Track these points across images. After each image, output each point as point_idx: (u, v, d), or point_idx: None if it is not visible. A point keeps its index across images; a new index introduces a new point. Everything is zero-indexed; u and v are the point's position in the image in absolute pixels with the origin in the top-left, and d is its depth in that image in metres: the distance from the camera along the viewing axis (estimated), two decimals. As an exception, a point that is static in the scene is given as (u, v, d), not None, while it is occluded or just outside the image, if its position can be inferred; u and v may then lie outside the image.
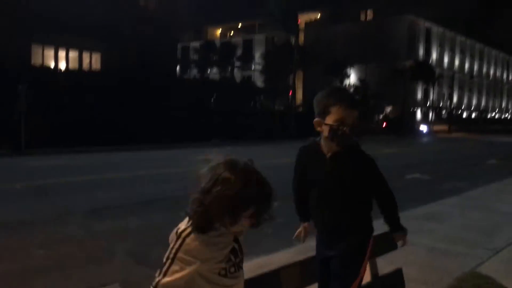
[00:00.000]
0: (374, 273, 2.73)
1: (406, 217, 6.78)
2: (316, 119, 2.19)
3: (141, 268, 4.73)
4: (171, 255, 1.56)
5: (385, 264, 3.05)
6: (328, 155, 2.21)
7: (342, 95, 2.18)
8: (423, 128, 48.14)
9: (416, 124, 49.20)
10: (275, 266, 2.27)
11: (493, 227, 6.29)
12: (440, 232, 5.96)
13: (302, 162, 2.35)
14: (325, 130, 2.15)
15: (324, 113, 2.15)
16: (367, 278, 2.75)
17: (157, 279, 1.54)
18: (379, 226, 2.67)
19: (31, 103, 17.54)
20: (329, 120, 2.12)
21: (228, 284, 1.61)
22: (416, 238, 5.57)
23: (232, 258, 1.62)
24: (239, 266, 1.64)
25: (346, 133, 2.12)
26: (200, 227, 1.57)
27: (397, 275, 2.91)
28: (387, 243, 2.97)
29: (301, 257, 2.54)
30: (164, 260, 1.57)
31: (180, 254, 1.55)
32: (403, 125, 45.17)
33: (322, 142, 2.23)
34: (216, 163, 1.62)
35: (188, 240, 1.56)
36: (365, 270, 2.35)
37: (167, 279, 1.52)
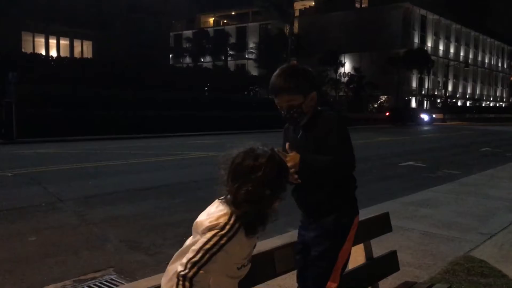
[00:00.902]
0: (369, 256, 2.71)
1: (400, 203, 6.86)
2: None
3: (134, 254, 4.69)
4: (207, 253, 1.55)
5: (379, 249, 3.03)
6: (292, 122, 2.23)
7: (273, 82, 2.17)
8: (424, 116, 47.95)
9: (417, 112, 49.02)
10: (269, 247, 2.24)
11: (487, 212, 6.31)
12: (434, 217, 5.96)
13: (284, 134, 2.35)
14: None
15: None
16: (361, 260, 2.72)
17: (187, 271, 1.53)
18: (374, 210, 2.67)
19: (22, 91, 17.38)
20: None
21: (239, 275, 1.69)
22: (410, 223, 5.58)
23: (251, 252, 1.72)
24: (250, 260, 1.73)
25: (286, 117, 2.17)
26: (252, 228, 1.62)
27: (392, 257, 2.89)
28: (381, 226, 2.95)
29: (294, 240, 2.50)
30: (196, 252, 1.55)
31: (214, 256, 1.56)
32: (406, 114, 45.18)
33: None
34: (237, 154, 1.66)
35: (228, 245, 1.57)
36: (346, 254, 2.19)
37: (195, 274, 1.54)
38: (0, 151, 14.22)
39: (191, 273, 1.52)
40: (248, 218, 1.58)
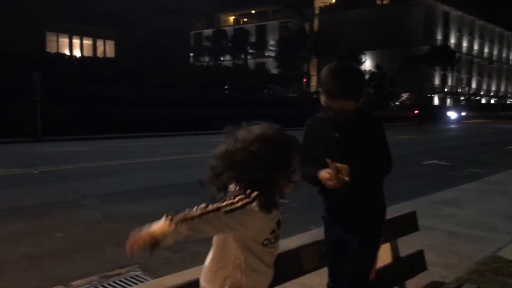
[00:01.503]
0: (395, 255, 2.68)
1: (425, 202, 6.77)
2: (318, 88, 2.17)
3: (159, 251, 4.72)
4: (202, 211, 1.53)
5: (403, 248, 2.99)
6: (338, 122, 2.15)
7: (328, 83, 2.07)
8: (451, 114, 46.61)
9: (444, 110, 47.82)
10: (294, 246, 2.23)
11: (514, 211, 6.18)
12: (459, 216, 5.87)
13: (309, 131, 2.26)
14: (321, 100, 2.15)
15: (320, 86, 2.12)
16: (387, 259, 2.70)
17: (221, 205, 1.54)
18: (398, 209, 2.64)
19: (47, 90, 17.69)
20: (321, 97, 2.11)
21: (266, 252, 1.65)
22: (435, 222, 5.50)
23: (276, 229, 1.65)
24: (278, 237, 1.68)
25: (333, 117, 2.10)
26: (267, 205, 1.58)
27: (419, 256, 2.85)
28: (407, 225, 2.92)
29: (319, 238, 2.49)
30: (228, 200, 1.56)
31: (229, 220, 1.53)
32: (436, 112, 44.34)
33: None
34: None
35: (246, 214, 1.54)
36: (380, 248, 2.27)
37: (229, 213, 1.53)
38: (26, 149, 14.51)
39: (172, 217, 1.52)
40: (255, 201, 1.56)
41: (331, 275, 2.28)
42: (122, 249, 5.08)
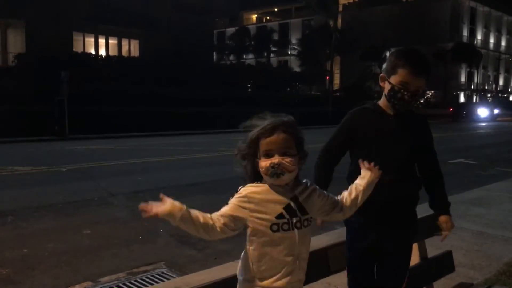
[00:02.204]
0: (423, 255, 2.65)
1: (452, 202, 6.62)
2: (381, 74, 2.12)
3: (184, 249, 4.80)
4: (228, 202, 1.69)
5: (430, 248, 2.96)
6: (393, 112, 2.11)
7: (413, 59, 2.06)
8: (482, 112, 44.95)
9: (477, 107, 46.40)
10: (322, 245, 2.23)
11: (544, 212, 6.03)
12: (487, 217, 5.76)
13: (354, 123, 2.16)
14: (386, 88, 2.07)
15: (391, 72, 2.06)
16: (415, 260, 2.67)
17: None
18: (423, 208, 2.60)
19: (73, 89, 18.02)
20: (394, 80, 2.04)
21: (279, 239, 1.65)
22: (463, 223, 5.41)
23: (286, 214, 1.64)
24: (294, 226, 1.65)
25: (405, 99, 2.02)
26: (250, 176, 1.69)
27: (447, 257, 2.82)
28: (434, 225, 2.88)
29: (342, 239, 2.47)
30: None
31: (233, 200, 1.66)
32: (470, 110, 43.33)
33: (382, 102, 2.15)
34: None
35: (241, 189, 1.68)
36: None
37: (220, 210, 1.67)
38: (54, 147, 14.83)
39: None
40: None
41: (369, 277, 2.17)
42: (149, 246, 5.19)
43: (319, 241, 2.60)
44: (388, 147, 2.09)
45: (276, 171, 1.60)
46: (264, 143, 1.63)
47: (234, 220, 1.62)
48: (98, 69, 23.74)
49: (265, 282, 1.65)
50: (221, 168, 10.52)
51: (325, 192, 1.77)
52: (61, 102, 17.65)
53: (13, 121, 17.40)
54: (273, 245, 1.64)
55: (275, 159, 1.60)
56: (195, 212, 1.63)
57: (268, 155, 1.62)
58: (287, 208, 1.64)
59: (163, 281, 3.95)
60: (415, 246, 2.64)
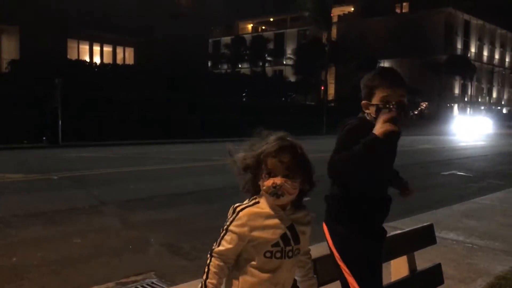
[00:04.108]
0: (412, 268, 2.66)
1: (443, 215, 6.66)
2: (363, 102, 2.14)
3: (175, 259, 4.77)
4: (225, 227, 1.67)
5: (420, 260, 2.96)
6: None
7: (386, 74, 2.14)
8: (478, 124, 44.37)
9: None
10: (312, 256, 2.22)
11: (535, 225, 6.05)
12: (478, 229, 5.77)
13: (360, 132, 2.05)
14: (371, 111, 2.09)
15: (370, 95, 2.11)
16: (404, 272, 2.67)
17: (212, 248, 1.67)
18: (415, 220, 2.62)
19: (66, 96, 17.97)
20: (375, 100, 2.08)
21: (269, 266, 1.66)
22: (453, 235, 5.42)
23: (281, 243, 1.66)
24: (287, 255, 1.68)
25: (392, 111, 2.04)
26: (249, 189, 1.73)
27: (436, 270, 2.82)
28: (425, 238, 2.89)
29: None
30: (221, 231, 1.69)
31: (232, 227, 1.65)
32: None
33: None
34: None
35: (241, 213, 1.66)
36: None
37: (220, 248, 1.64)
38: (46, 154, 14.76)
39: (214, 247, 1.67)
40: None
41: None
42: (140, 256, 5.15)
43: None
44: (385, 162, 2.16)
45: (276, 192, 1.62)
46: (269, 162, 1.64)
47: (236, 252, 1.67)
48: (92, 76, 23.70)
49: None
50: (213, 177, 10.51)
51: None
52: (54, 109, 17.59)
53: (6, 128, 17.32)
54: (262, 271, 1.66)
55: (278, 180, 1.62)
56: None
57: (271, 174, 1.63)
58: (283, 236, 1.67)
59: (152, 291, 3.92)
60: (404, 259, 2.64)
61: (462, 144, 25.98)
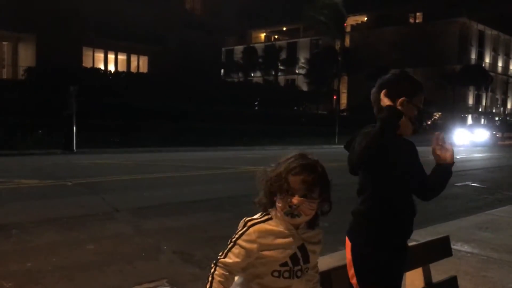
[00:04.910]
0: (427, 281, 2.63)
1: (457, 226, 6.60)
2: (402, 99, 2.06)
3: (187, 267, 4.78)
4: (234, 239, 1.64)
5: (435, 273, 2.94)
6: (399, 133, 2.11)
7: (416, 81, 2.19)
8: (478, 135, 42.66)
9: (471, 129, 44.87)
10: (324, 268, 2.22)
11: (552, 238, 5.95)
12: (494, 241, 5.70)
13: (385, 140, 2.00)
14: (409, 110, 2.07)
15: (413, 94, 2.10)
16: (419, 285, 2.65)
17: (218, 257, 1.66)
18: (429, 232, 2.60)
19: (81, 103, 18.17)
20: (417, 101, 2.11)
21: (277, 285, 1.63)
22: (468, 247, 5.36)
23: (289, 263, 1.63)
24: (295, 274, 1.65)
25: (421, 118, 2.14)
26: (263, 203, 1.70)
27: (451, 283, 2.79)
28: (440, 250, 2.86)
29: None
30: (228, 242, 1.66)
31: (240, 241, 1.62)
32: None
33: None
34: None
35: (251, 229, 1.63)
36: None
37: (226, 259, 1.62)
38: (61, 161, 14.90)
39: (220, 257, 1.66)
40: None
41: None
42: (152, 263, 5.17)
43: (322, 262, 2.59)
44: (406, 171, 2.13)
45: (292, 212, 1.60)
46: (289, 180, 1.61)
47: (241, 266, 1.64)
48: (106, 84, 23.98)
49: None
50: (226, 185, 10.54)
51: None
52: (69, 116, 17.78)
53: (22, 134, 17.56)
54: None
55: (295, 200, 1.59)
56: None
57: (289, 192, 1.60)
58: (293, 257, 1.64)
59: (165, 299, 3.93)
60: (419, 271, 2.62)
61: (476, 155, 25.70)
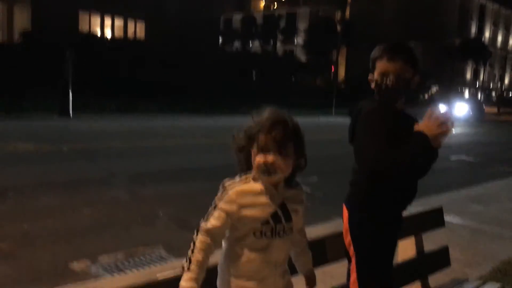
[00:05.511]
0: (419, 250, 2.67)
1: (450, 198, 6.67)
2: (369, 76, 2.07)
3: (183, 233, 4.83)
4: (214, 203, 1.63)
5: (426, 243, 2.98)
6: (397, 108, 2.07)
7: (386, 47, 2.03)
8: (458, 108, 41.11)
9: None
10: (319, 235, 2.24)
11: (543, 212, 6.05)
12: (485, 214, 5.79)
13: (387, 122, 1.96)
14: (372, 85, 2.04)
15: (372, 68, 2.04)
16: (411, 254, 2.69)
17: (200, 223, 1.62)
18: (422, 203, 2.63)
19: (77, 68, 17.96)
20: (375, 74, 2.03)
21: (260, 245, 1.63)
22: (460, 219, 5.44)
23: (271, 222, 1.63)
24: (277, 234, 1.64)
25: (387, 86, 1.98)
26: (242, 167, 1.70)
27: (443, 252, 2.84)
28: (433, 221, 2.91)
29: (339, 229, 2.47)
30: (210, 207, 1.64)
31: (221, 204, 1.61)
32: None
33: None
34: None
35: (230, 190, 1.62)
36: None
37: (207, 225, 1.59)
38: (56, 126, 14.83)
39: (201, 223, 1.61)
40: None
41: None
42: (148, 228, 5.21)
43: (316, 230, 2.62)
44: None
45: (268, 169, 1.58)
46: (262, 139, 1.59)
47: (223, 230, 1.62)
48: (102, 51, 23.68)
49: (239, 282, 1.64)
50: (221, 154, 10.55)
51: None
52: (65, 80, 17.60)
53: (17, 98, 17.41)
54: (252, 250, 1.63)
55: (269, 157, 1.58)
56: (202, 266, 1.59)
57: (264, 151, 1.59)
58: (274, 215, 1.63)
59: (160, 262, 4.00)
60: (412, 240, 2.66)
61: (471, 129, 25.79)
